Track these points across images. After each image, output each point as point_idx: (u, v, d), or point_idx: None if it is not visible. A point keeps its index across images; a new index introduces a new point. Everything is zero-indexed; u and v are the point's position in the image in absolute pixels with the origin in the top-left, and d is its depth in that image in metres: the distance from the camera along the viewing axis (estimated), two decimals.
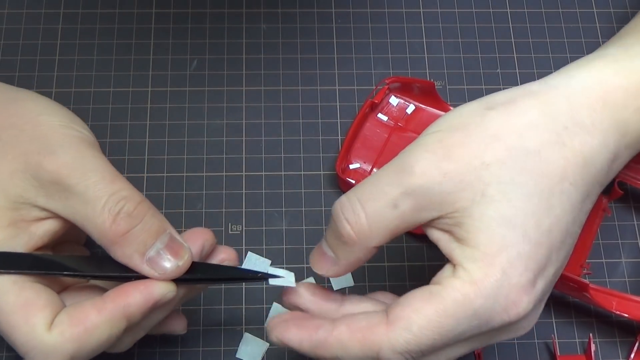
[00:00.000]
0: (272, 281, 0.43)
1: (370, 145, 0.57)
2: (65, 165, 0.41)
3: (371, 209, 0.39)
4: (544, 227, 0.38)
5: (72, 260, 0.44)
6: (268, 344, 0.52)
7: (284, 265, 0.54)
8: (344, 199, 0.40)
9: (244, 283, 0.54)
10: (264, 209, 0.56)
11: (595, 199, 0.42)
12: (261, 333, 0.52)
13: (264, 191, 0.57)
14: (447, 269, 0.39)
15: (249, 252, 0.54)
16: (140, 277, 0.41)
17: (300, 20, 0.63)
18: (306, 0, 0.64)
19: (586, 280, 0.49)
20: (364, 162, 0.56)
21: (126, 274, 0.41)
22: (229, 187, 0.57)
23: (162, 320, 0.45)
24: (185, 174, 0.57)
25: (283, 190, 0.57)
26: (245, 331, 0.52)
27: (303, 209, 0.56)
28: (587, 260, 0.54)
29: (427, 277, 0.41)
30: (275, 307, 0.53)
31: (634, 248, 0.56)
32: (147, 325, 0.43)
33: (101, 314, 0.40)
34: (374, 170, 0.56)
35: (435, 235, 0.40)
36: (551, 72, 0.44)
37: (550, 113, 0.40)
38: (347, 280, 0.54)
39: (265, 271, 0.43)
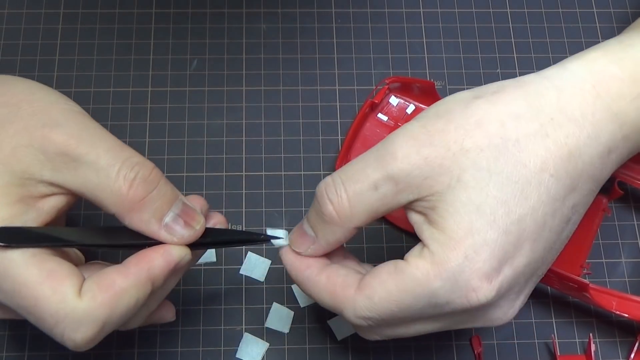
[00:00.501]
0: (274, 242, 0.44)
1: (370, 145, 0.56)
2: (73, 136, 0.41)
3: (353, 190, 0.40)
4: (515, 216, 0.39)
5: (84, 232, 0.44)
6: (268, 344, 0.52)
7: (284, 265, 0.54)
8: (328, 179, 0.41)
9: (244, 284, 0.54)
10: (264, 209, 0.56)
11: (589, 194, 0.42)
12: (261, 333, 0.52)
13: (264, 191, 0.57)
14: (416, 248, 0.40)
15: (249, 252, 0.55)
16: (153, 244, 0.42)
17: (300, 20, 0.63)
18: (306, 0, 0.64)
19: (586, 280, 0.49)
20: None
21: (140, 242, 0.42)
22: (229, 187, 0.57)
23: (153, 310, 0.45)
24: (185, 174, 0.57)
25: (283, 190, 0.57)
26: (245, 331, 0.52)
27: (303, 209, 0.56)
28: (587, 260, 0.54)
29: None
30: (275, 307, 0.53)
31: (634, 248, 0.56)
32: (161, 294, 0.44)
33: (128, 279, 0.40)
34: None
35: (412, 217, 0.41)
36: None
37: (537, 103, 0.40)
38: None
39: (266, 239, 0.45)
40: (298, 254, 0.43)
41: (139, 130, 0.58)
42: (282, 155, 0.58)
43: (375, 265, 0.42)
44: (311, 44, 0.62)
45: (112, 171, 0.40)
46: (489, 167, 0.39)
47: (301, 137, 0.59)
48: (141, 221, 0.41)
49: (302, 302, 0.53)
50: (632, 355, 0.52)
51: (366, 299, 0.40)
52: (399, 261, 0.41)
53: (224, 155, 0.58)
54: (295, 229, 0.44)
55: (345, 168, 0.41)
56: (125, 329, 0.44)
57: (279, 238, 0.44)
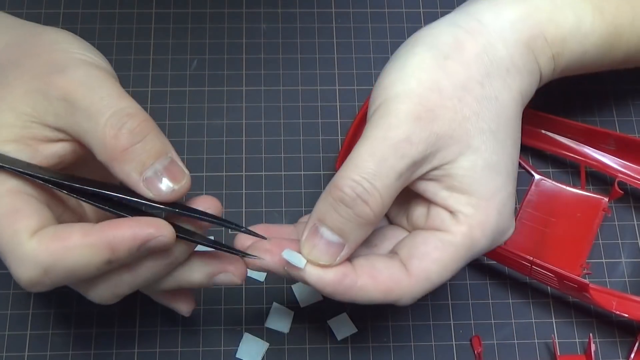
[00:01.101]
0: (285, 254, 0.42)
1: None
2: (73, 82, 0.41)
3: (382, 185, 0.41)
4: (516, 162, 0.45)
5: (73, 179, 0.42)
6: (268, 344, 0.52)
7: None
8: (350, 181, 0.40)
9: (244, 284, 0.54)
10: (264, 209, 0.56)
11: None
12: (261, 333, 0.52)
13: (264, 191, 0.57)
14: (445, 215, 0.43)
15: None
16: (145, 210, 0.41)
17: (300, 20, 0.63)
18: (306, 0, 0.64)
19: (586, 280, 0.49)
20: None
21: (124, 197, 0.40)
22: (229, 187, 0.57)
23: (169, 294, 0.45)
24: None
25: (283, 190, 0.57)
26: (245, 331, 0.52)
27: (303, 209, 0.56)
28: (587, 260, 0.54)
29: None
30: (275, 307, 0.53)
31: (634, 248, 0.56)
32: (139, 279, 0.42)
33: (85, 238, 0.39)
34: None
35: (422, 186, 0.43)
36: None
37: (495, 60, 0.44)
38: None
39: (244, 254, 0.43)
40: (325, 267, 0.42)
41: None
42: (282, 155, 0.58)
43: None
44: (311, 44, 0.62)
45: (102, 119, 0.40)
46: (490, 128, 0.43)
47: (301, 137, 0.59)
48: (122, 172, 0.40)
49: (302, 302, 0.53)
50: (632, 355, 0.52)
51: (425, 281, 0.42)
52: (437, 233, 0.43)
53: (224, 155, 0.58)
54: (313, 243, 0.42)
55: (361, 164, 0.41)
56: (88, 297, 0.43)
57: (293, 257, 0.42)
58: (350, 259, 0.43)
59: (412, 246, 0.43)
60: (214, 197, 0.43)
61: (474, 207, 0.42)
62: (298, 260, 0.41)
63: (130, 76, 0.60)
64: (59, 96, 0.41)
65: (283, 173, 0.57)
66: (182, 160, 0.57)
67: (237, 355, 0.52)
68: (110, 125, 0.40)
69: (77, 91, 0.41)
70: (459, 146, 0.42)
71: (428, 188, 0.43)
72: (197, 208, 0.42)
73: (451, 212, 0.43)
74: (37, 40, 0.45)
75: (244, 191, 0.57)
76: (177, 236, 0.40)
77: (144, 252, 0.40)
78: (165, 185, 0.40)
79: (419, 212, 0.45)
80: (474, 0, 0.47)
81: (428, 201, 0.44)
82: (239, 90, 0.60)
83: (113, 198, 0.41)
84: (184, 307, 0.47)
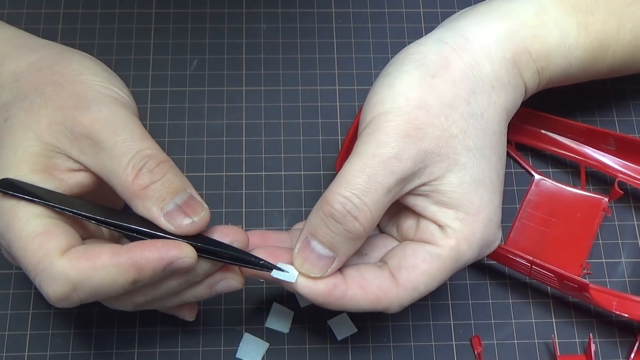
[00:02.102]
0: (274, 274, 0.43)
1: None
2: (98, 121, 0.43)
3: (371, 201, 0.42)
4: (501, 177, 0.46)
5: (101, 209, 0.44)
6: (268, 344, 0.52)
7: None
8: (340, 197, 0.42)
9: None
10: (264, 209, 0.56)
11: None
12: (261, 333, 0.52)
13: (264, 191, 0.57)
14: (430, 227, 0.44)
15: None
16: (166, 238, 0.42)
17: (300, 20, 0.63)
18: (306, 0, 0.64)
19: (586, 280, 0.49)
20: None
21: (149, 231, 0.42)
22: (229, 187, 0.57)
23: (148, 302, 0.45)
24: (185, 174, 0.57)
25: (283, 190, 0.57)
26: (245, 331, 0.52)
27: (303, 209, 0.56)
28: (587, 260, 0.54)
29: None
30: (275, 307, 0.53)
31: (634, 248, 0.56)
32: (160, 293, 0.44)
33: (113, 258, 0.41)
34: None
35: (412, 201, 0.45)
36: None
37: (481, 77, 0.45)
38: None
39: (273, 267, 0.44)
40: (315, 279, 0.43)
41: None
42: (282, 155, 0.58)
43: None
44: (311, 44, 0.62)
45: (124, 160, 0.42)
46: (476, 145, 0.44)
47: (301, 137, 0.59)
48: (144, 207, 0.42)
49: (302, 302, 0.53)
50: (632, 355, 0.52)
51: (413, 291, 0.44)
52: (426, 246, 0.44)
53: (224, 155, 0.58)
54: (305, 256, 0.43)
55: (352, 180, 0.42)
56: (112, 307, 0.45)
57: (284, 271, 0.43)
58: (341, 268, 0.44)
59: (402, 257, 0.45)
60: (238, 228, 0.45)
61: (462, 222, 0.44)
62: (290, 275, 0.43)
63: (130, 76, 0.60)
64: (83, 133, 0.43)
65: (283, 173, 0.57)
66: (183, 160, 0.57)
67: (237, 355, 0.52)
68: (132, 167, 0.42)
69: (101, 131, 0.43)
70: (446, 163, 0.43)
71: (417, 202, 0.45)
72: (220, 241, 0.44)
73: (440, 226, 0.44)
74: (62, 68, 0.46)
75: (244, 191, 0.57)
76: (198, 256, 0.42)
77: (168, 273, 0.42)
78: (185, 218, 0.42)
79: (408, 223, 0.46)
80: (461, 15, 0.48)
81: (418, 214, 0.45)
82: (239, 90, 0.60)
83: (135, 231, 0.43)
84: (187, 315, 0.49)
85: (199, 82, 0.60)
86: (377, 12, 0.64)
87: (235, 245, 0.44)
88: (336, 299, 0.44)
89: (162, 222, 0.42)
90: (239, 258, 0.43)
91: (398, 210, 0.47)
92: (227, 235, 0.44)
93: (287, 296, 0.54)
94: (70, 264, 0.41)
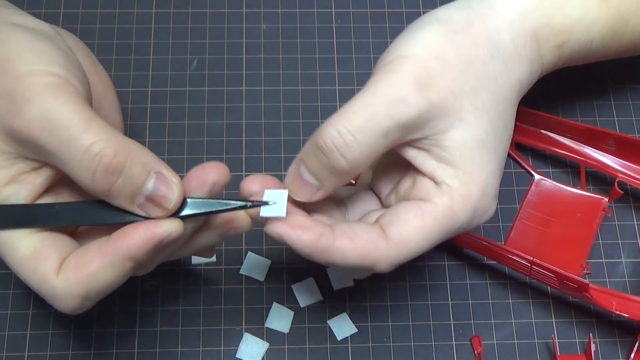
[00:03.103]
0: (263, 213, 0.42)
1: None
2: (33, 124, 0.39)
3: (365, 141, 0.41)
4: (504, 145, 0.45)
5: (74, 208, 0.43)
6: (268, 344, 0.52)
7: (284, 265, 0.54)
8: (333, 131, 0.41)
9: (244, 284, 0.54)
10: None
11: None
12: (261, 333, 0.52)
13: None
14: (429, 186, 0.43)
15: (249, 253, 0.54)
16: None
17: (300, 20, 0.63)
18: (306, 0, 0.64)
19: (586, 280, 0.49)
20: None
21: (131, 219, 0.41)
22: (229, 187, 0.57)
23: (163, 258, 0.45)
24: (185, 174, 0.57)
25: None
26: (245, 331, 0.52)
27: None
28: (587, 260, 0.54)
29: None
30: (275, 307, 0.53)
31: (634, 248, 0.56)
32: (162, 258, 0.44)
33: (103, 258, 0.40)
34: None
35: (411, 152, 0.44)
36: None
37: (500, 44, 0.45)
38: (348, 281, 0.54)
39: (255, 205, 0.43)
40: (303, 229, 0.42)
41: (139, 130, 0.58)
42: (282, 155, 0.58)
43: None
44: (311, 44, 0.62)
45: (74, 164, 0.39)
46: (484, 106, 0.43)
47: (301, 137, 0.59)
48: (116, 204, 0.41)
49: (302, 302, 0.53)
50: (632, 355, 0.52)
51: (403, 248, 0.42)
52: (419, 203, 0.43)
53: (224, 155, 0.58)
54: (294, 179, 0.43)
55: (351, 117, 0.41)
56: (136, 274, 0.44)
57: (273, 203, 0.42)
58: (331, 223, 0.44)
59: (394, 214, 0.43)
60: (218, 163, 0.43)
61: (459, 180, 0.43)
62: (278, 209, 0.42)
63: (130, 76, 0.60)
64: (24, 139, 0.40)
65: (283, 173, 0.57)
66: (183, 160, 0.57)
67: (237, 355, 0.52)
68: (84, 172, 0.39)
69: (40, 136, 0.39)
70: (451, 119, 0.42)
71: (417, 155, 0.43)
72: (201, 197, 0.42)
73: (436, 182, 0.43)
74: None
75: None
76: (182, 218, 0.41)
77: (160, 249, 0.41)
78: (158, 208, 0.41)
79: (406, 184, 0.45)
80: None
81: (416, 174, 0.44)
82: (239, 90, 0.60)
83: (117, 223, 0.42)
84: (207, 254, 0.49)
85: (199, 82, 0.60)
86: (377, 12, 0.64)
87: (217, 186, 0.43)
88: (323, 248, 0.42)
89: (140, 213, 0.41)
90: (225, 208, 0.42)
91: (399, 177, 0.46)
92: (208, 173, 0.43)
93: (287, 296, 0.54)
94: (68, 283, 0.40)
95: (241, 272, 0.54)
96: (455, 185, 0.43)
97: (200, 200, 0.42)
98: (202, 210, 0.42)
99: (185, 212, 0.42)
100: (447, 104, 0.42)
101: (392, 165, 0.47)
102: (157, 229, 0.40)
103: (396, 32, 0.62)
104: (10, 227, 0.41)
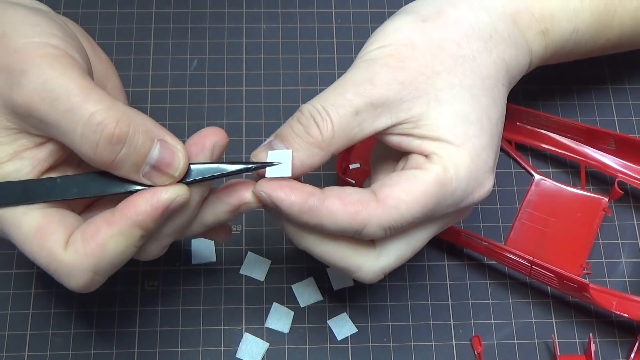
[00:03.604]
0: (269, 174, 0.42)
1: (370, 145, 0.57)
2: (32, 97, 0.39)
3: (336, 115, 0.42)
4: (493, 120, 0.44)
5: (80, 180, 0.42)
6: (268, 344, 0.52)
7: (284, 265, 0.54)
8: (309, 105, 0.43)
9: (244, 284, 0.54)
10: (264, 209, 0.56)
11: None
12: (261, 333, 0.52)
13: None
14: (419, 158, 0.43)
15: (249, 252, 0.55)
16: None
17: (300, 20, 0.63)
18: (306, 0, 0.64)
19: (586, 280, 0.49)
20: (365, 162, 0.56)
21: (136, 188, 0.41)
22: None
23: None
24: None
25: None
26: (245, 331, 0.52)
27: None
28: (587, 260, 0.54)
29: None
30: (275, 307, 0.53)
31: (634, 248, 0.56)
32: (174, 230, 0.43)
33: (111, 227, 0.40)
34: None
35: (395, 139, 0.44)
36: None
37: (477, 25, 0.45)
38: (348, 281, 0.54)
39: (260, 167, 0.42)
40: (291, 188, 0.41)
41: None
42: None
43: None
44: (311, 44, 0.62)
45: (76, 137, 0.39)
46: (461, 83, 0.44)
47: None
48: (120, 175, 0.40)
49: (302, 302, 0.53)
50: (632, 355, 0.52)
51: (393, 209, 0.41)
52: (411, 170, 0.43)
53: (224, 155, 0.58)
54: (264, 147, 0.43)
55: (323, 96, 0.43)
56: (142, 259, 0.44)
57: (278, 163, 0.42)
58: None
59: (386, 179, 0.43)
60: (214, 127, 0.43)
61: (446, 150, 0.43)
62: (284, 169, 0.42)
63: (130, 76, 0.60)
64: (25, 113, 0.39)
65: None
66: None
67: (237, 355, 0.52)
68: (87, 144, 0.39)
69: (39, 108, 0.39)
70: (425, 99, 0.43)
71: (402, 140, 0.44)
72: (203, 162, 0.42)
73: (426, 155, 0.43)
74: None
75: None
76: (188, 184, 0.41)
77: (168, 215, 0.41)
78: (164, 176, 0.40)
79: (399, 166, 0.45)
80: None
81: (407, 156, 0.44)
82: (239, 90, 0.60)
83: (122, 194, 0.41)
84: (222, 237, 0.48)
85: (199, 82, 0.60)
86: (377, 12, 0.64)
87: (217, 149, 0.42)
88: (312, 208, 0.41)
89: (146, 182, 0.41)
90: (229, 171, 0.42)
91: (390, 166, 0.46)
92: (206, 137, 0.42)
93: (287, 296, 0.54)
94: (77, 255, 0.40)
95: (241, 272, 0.54)
96: (444, 154, 0.42)
97: (204, 166, 0.42)
98: (207, 175, 0.41)
99: (190, 179, 0.41)
100: (418, 85, 0.43)
101: (387, 158, 0.47)
102: (164, 194, 0.40)
103: None
104: (12, 204, 0.41)
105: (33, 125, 0.40)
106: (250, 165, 0.42)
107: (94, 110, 0.38)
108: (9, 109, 0.40)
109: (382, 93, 0.42)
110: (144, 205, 0.40)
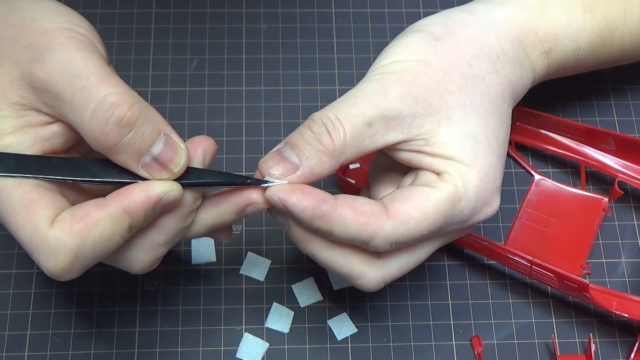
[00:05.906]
0: (266, 183, 0.42)
1: None
2: (52, 71, 0.40)
3: (349, 124, 0.42)
4: (501, 140, 0.45)
5: (77, 164, 0.42)
6: (268, 344, 0.52)
7: (284, 265, 0.54)
8: (322, 113, 0.43)
9: (244, 284, 0.54)
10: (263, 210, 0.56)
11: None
12: (261, 333, 0.52)
13: None
14: (427, 175, 0.44)
15: (249, 252, 0.55)
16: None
17: (300, 20, 0.63)
18: (306, 0, 0.64)
19: (586, 280, 0.49)
20: (365, 163, 0.56)
21: (131, 181, 0.41)
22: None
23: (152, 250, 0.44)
24: None
25: None
26: (245, 331, 0.52)
27: None
28: (587, 260, 0.54)
29: None
30: (275, 307, 0.53)
31: (634, 248, 0.56)
32: (166, 238, 0.43)
33: (102, 210, 0.40)
34: None
35: (406, 156, 0.44)
36: None
37: (486, 45, 0.46)
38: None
39: (254, 183, 0.42)
40: (304, 193, 0.41)
41: None
42: None
43: None
44: (311, 44, 0.62)
45: (86, 113, 0.39)
46: (472, 103, 0.44)
47: None
48: (119, 161, 0.41)
49: (302, 302, 0.53)
50: (632, 355, 0.52)
51: (401, 224, 0.42)
52: (423, 187, 0.43)
53: (224, 155, 0.58)
54: (273, 154, 0.43)
55: (335, 105, 0.43)
56: (132, 270, 0.43)
57: (271, 183, 0.42)
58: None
59: (398, 193, 0.43)
60: (203, 136, 0.44)
61: (456, 169, 0.43)
62: (274, 181, 0.42)
63: (130, 76, 0.60)
64: (42, 87, 0.40)
65: None
66: None
67: (237, 355, 0.52)
68: (96, 122, 0.39)
69: (58, 82, 0.40)
70: (437, 117, 0.43)
71: (412, 157, 0.44)
72: (201, 168, 0.42)
73: (437, 173, 0.43)
74: (15, 18, 0.43)
75: None
76: (183, 185, 0.41)
77: (159, 210, 0.41)
78: (164, 171, 0.41)
79: (408, 181, 0.45)
80: (468, 2, 0.50)
81: (416, 171, 0.44)
82: (239, 90, 0.60)
83: (117, 183, 0.41)
84: (223, 237, 0.48)
85: (199, 82, 0.60)
86: (377, 12, 0.64)
87: (207, 155, 0.43)
88: (324, 213, 0.41)
89: (143, 174, 0.41)
90: (224, 182, 0.42)
91: (394, 177, 0.46)
92: (197, 144, 0.43)
93: (287, 296, 0.54)
94: (63, 232, 0.39)
95: (241, 272, 0.54)
96: (455, 173, 0.43)
97: (201, 171, 0.42)
98: (202, 181, 0.42)
99: (186, 180, 0.41)
100: (431, 101, 0.43)
101: (390, 171, 0.47)
102: (158, 187, 0.40)
103: (396, 32, 0.63)
104: (3, 173, 0.41)
105: (45, 101, 0.41)
106: (247, 180, 0.42)
107: (110, 92, 0.39)
108: (25, 81, 0.41)
109: (395, 107, 0.42)
110: (139, 193, 0.40)
